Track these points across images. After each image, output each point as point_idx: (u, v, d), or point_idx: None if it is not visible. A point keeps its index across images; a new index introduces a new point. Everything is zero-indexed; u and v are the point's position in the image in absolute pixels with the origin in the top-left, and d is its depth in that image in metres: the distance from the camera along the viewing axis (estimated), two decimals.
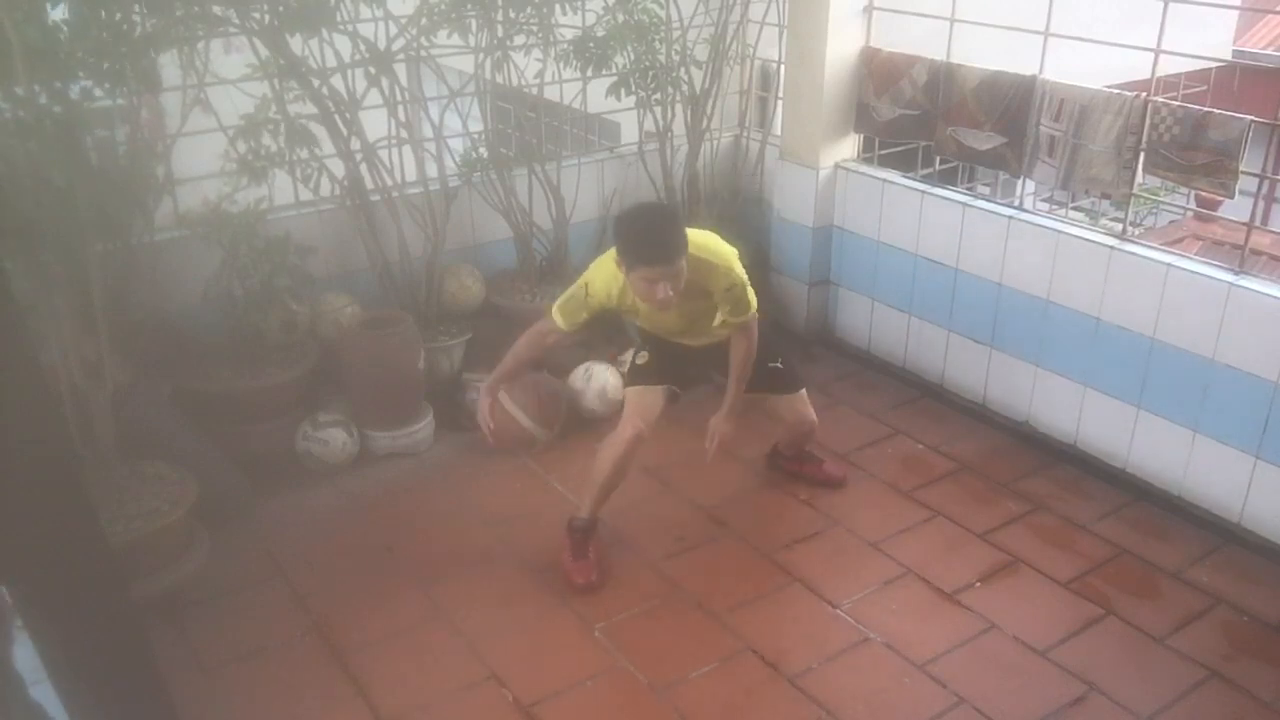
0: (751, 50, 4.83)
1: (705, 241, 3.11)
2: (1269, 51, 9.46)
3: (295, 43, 3.54)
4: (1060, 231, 3.74)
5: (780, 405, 3.52)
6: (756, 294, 3.27)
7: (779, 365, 3.49)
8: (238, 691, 2.84)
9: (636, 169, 4.60)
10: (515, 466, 3.87)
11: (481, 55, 4.01)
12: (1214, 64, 6.58)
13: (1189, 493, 3.53)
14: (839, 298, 4.68)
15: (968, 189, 4.69)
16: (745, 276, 3.16)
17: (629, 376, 3.44)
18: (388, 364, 3.80)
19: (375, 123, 3.92)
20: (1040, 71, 3.76)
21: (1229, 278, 3.31)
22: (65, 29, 2.90)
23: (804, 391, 3.55)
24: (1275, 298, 3.19)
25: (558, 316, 3.16)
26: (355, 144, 3.79)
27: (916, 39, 4.19)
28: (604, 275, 3.10)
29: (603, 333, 4.31)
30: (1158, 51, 3.46)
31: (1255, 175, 3.65)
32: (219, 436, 3.58)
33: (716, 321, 3.23)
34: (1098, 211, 7.97)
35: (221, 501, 3.41)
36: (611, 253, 3.07)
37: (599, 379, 4.10)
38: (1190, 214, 7.62)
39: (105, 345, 2.97)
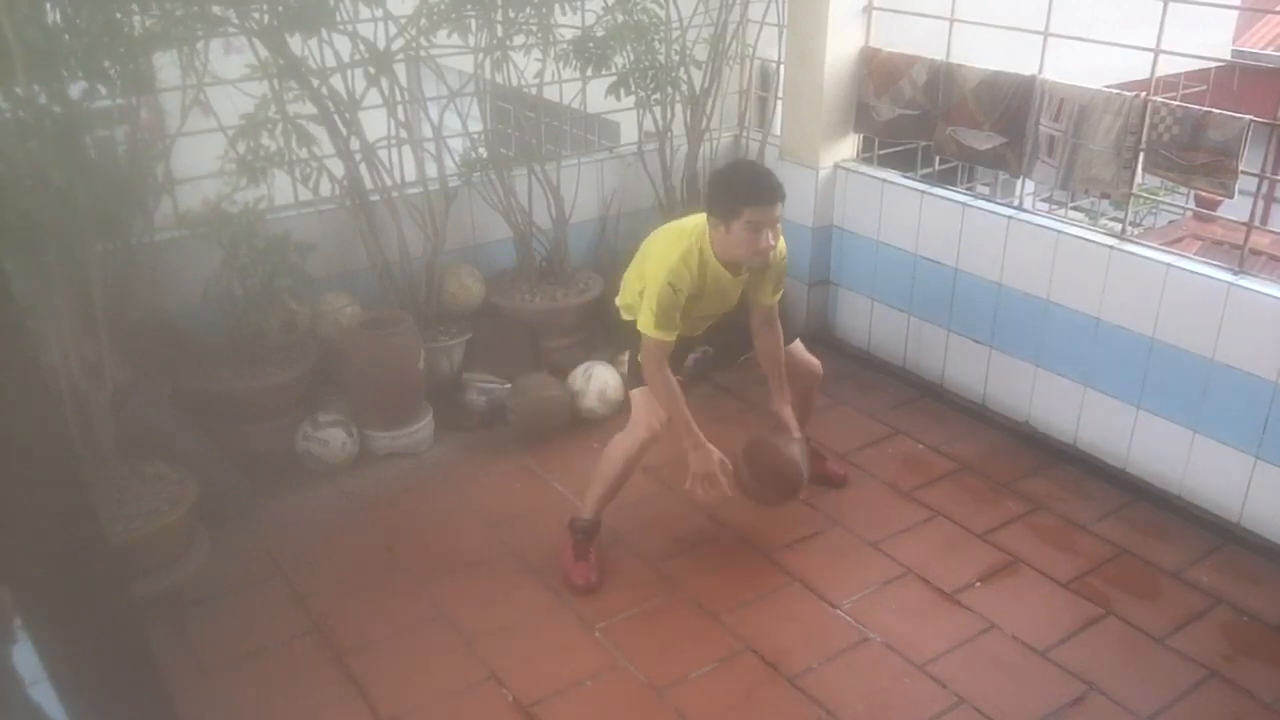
0: (751, 50, 4.82)
1: None
2: (1268, 51, 9.47)
3: (295, 43, 3.54)
4: (1060, 231, 3.74)
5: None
6: None
7: None
8: (238, 691, 2.84)
9: (636, 169, 4.61)
10: (515, 466, 3.87)
11: (481, 55, 4.01)
12: (1213, 64, 6.58)
13: (1189, 493, 3.53)
14: (839, 298, 4.68)
15: (967, 189, 4.70)
16: None
17: (632, 377, 3.43)
18: (388, 364, 3.80)
19: (375, 123, 3.92)
20: (1040, 71, 3.76)
21: (1228, 277, 3.31)
22: (65, 29, 2.90)
23: (798, 341, 3.55)
24: (1275, 298, 3.19)
25: (662, 334, 3.04)
26: (355, 144, 3.79)
27: (916, 39, 4.19)
28: (675, 268, 3.03)
29: (603, 333, 4.31)
30: (1157, 51, 3.46)
31: (1255, 175, 3.66)
32: (219, 436, 3.58)
33: (763, 299, 3.25)
34: (1097, 211, 7.97)
35: (221, 501, 3.42)
36: (665, 249, 3.08)
37: (599, 379, 4.10)
38: (1190, 214, 7.63)
39: (105, 345, 2.97)
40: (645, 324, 3.04)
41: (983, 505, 3.65)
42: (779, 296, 3.29)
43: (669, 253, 3.05)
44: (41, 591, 1.74)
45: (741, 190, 2.96)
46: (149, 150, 3.34)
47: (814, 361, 3.57)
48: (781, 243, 3.17)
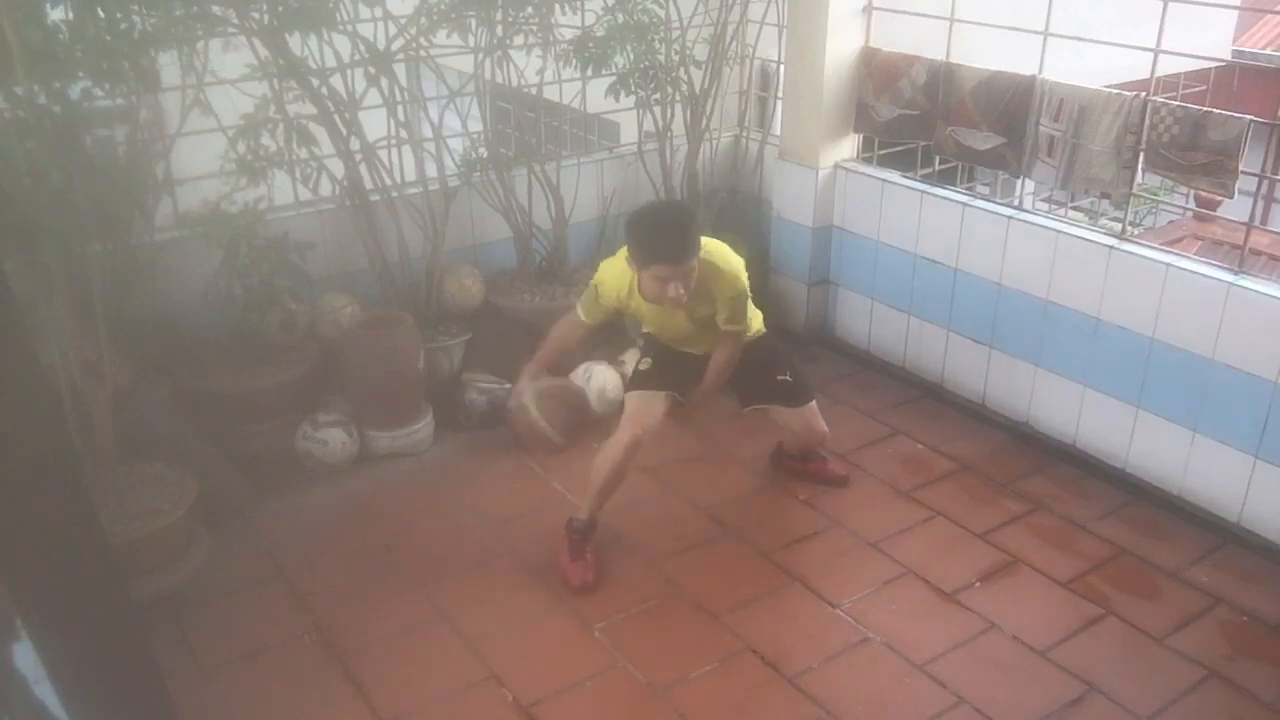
0: (751, 50, 4.83)
1: (716, 248, 3.16)
2: (1269, 51, 9.46)
3: (295, 43, 3.54)
4: (1060, 231, 3.74)
5: (790, 418, 3.54)
6: (756, 294, 3.28)
7: (788, 378, 3.50)
8: (238, 691, 2.84)
9: (636, 169, 4.61)
10: (515, 466, 3.87)
11: (481, 55, 4.01)
12: (1213, 64, 6.57)
13: (1189, 492, 3.53)
14: (838, 298, 4.68)
15: (967, 189, 4.69)
16: (748, 290, 3.22)
17: (631, 381, 3.45)
18: (388, 364, 3.80)
19: (375, 123, 3.92)
20: (1040, 71, 3.76)
21: (1228, 277, 3.31)
22: (65, 29, 2.90)
23: (814, 403, 3.56)
24: (1274, 298, 3.19)
25: (580, 310, 3.31)
26: (355, 144, 3.79)
27: (916, 39, 4.19)
28: (613, 275, 3.16)
29: (602, 333, 4.31)
30: (1157, 51, 3.46)
31: (1254, 175, 3.66)
32: (219, 436, 3.58)
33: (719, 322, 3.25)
34: (1097, 211, 7.96)
35: (221, 501, 3.42)
36: (622, 252, 3.09)
37: (599, 379, 4.10)
38: (1189, 214, 7.62)
39: (105, 345, 2.97)
40: (582, 296, 3.30)
41: (982, 505, 3.65)
42: (735, 328, 3.26)
43: (617, 262, 3.15)
44: (41, 591, 1.74)
45: (650, 245, 2.96)
46: (149, 150, 3.34)
47: (822, 430, 3.59)
48: (742, 280, 3.16)
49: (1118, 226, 3.79)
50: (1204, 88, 6.82)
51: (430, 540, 3.46)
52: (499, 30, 3.98)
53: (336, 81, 3.71)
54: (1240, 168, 3.26)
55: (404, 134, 4.01)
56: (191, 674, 2.89)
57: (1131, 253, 3.54)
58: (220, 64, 3.54)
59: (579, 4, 4.08)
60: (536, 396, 3.32)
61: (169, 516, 3.04)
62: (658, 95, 4.46)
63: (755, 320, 3.45)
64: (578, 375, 4.13)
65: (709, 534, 3.50)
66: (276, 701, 2.81)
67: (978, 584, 3.26)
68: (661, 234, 2.98)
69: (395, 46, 3.79)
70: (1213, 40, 7.89)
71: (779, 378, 3.47)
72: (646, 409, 3.28)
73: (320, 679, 2.88)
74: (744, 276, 3.19)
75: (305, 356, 3.81)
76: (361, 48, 3.72)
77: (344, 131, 3.74)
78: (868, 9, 4.31)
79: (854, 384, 4.45)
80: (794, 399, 3.50)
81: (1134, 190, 3.62)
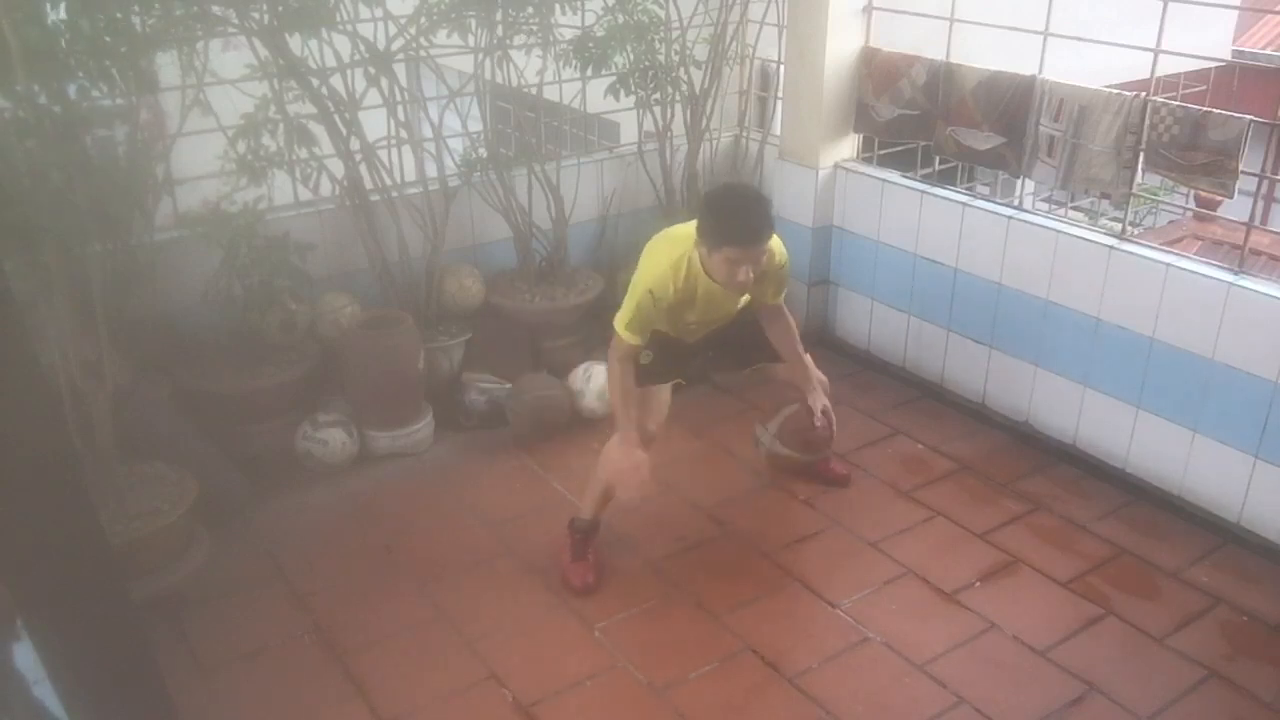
0: (751, 50, 4.83)
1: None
2: (1269, 51, 9.46)
3: (295, 43, 3.54)
4: (1060, 231, 3.74)
5: (789, 371, 3.49)
6: None
7: None
8: (238, 691, 2.84)
9: (636, 169, 4.60)
10: (515, 466, 3.87)
11: (481, 55, 4.01)
12: (1213, 64, 6.57)
13: (1189, 492, 3.53)
14: (838, 297, 4.68)
15: (967, 189, 4.69)
16: None
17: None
18: (388, 364, 3.80)
19: (375, 123, 3.92)
20: (1040, 71, 3.76)
21: (1228, 277, 3.31)
22: (65, 29, 2.90)
23: (808, 357, 3.53)
24: (1274, 298, 3.19)
25: (631, 335, 3.04)
26: (355, 144, 3.79)
27: (916, 39, 4.19)
28: (661, 276, 3.02)
29: (603, 333, 4.30)
30: (1157, 51, 3.46)
31: (1255, 175, 3.66)
32: (219, 436, 3.58)
33: (742, 303, 3.23)
34: (1097, 211, 7.96)
35: (221, 501, 3.42)
36: (657, 255, 3.06)
37: (599, 379, 4.10)
38: (1189, 214, 7.62)
39: (105, 345, 2.97)
40: (619, 321, 3.06)
41: (982, 505, 3.65)
42: (782, 297, 3.29)
43: (660, 260, 3.05)
44: (41, 591, 1.74)
45: (727, 226, 2.90)
46: (149, 150, 3.34)
47: (822, 376, 3.55)
48: (782, 249, 3.15)
49: (1118, 226, 3.79)
50: (1204, 88, 6.82)
51: (430, 540, 3.46)
52: (499, 30, 3.98)
53: (336, 81, 3.71)
54: (1240, 168, 3.26)
55: (404, 134, 4.01)
56: (191, 674, 2.89)
57: (1131, 253, 3.54)
58: (220, 64, 3.54)
59: (579, 4, 4.08)
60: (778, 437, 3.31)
61: (169, 516, 3.04)
62: (658, 95, 4.46)
63: None
64: (577, 375, 4.12)
65: (709, 534, 3.50)
66: (276, 701, 2.81)
67: (978, 584, 3.26)
68: (742, 215, 2.92)
69: (395, 46, 3.79)
70: (1213, 40, 7.89)
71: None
72: (655, 404, 3.26)
73: (320, 679, 2.88)
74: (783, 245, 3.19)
75: (305, 356, 3.81)
76: (361, 48, 3.72)
77: (344, 131, 3.74)
78: (868, 9, 4.31)
79: (854, 384, 4.45)
80: None
81: (1134, 190, 3.62)
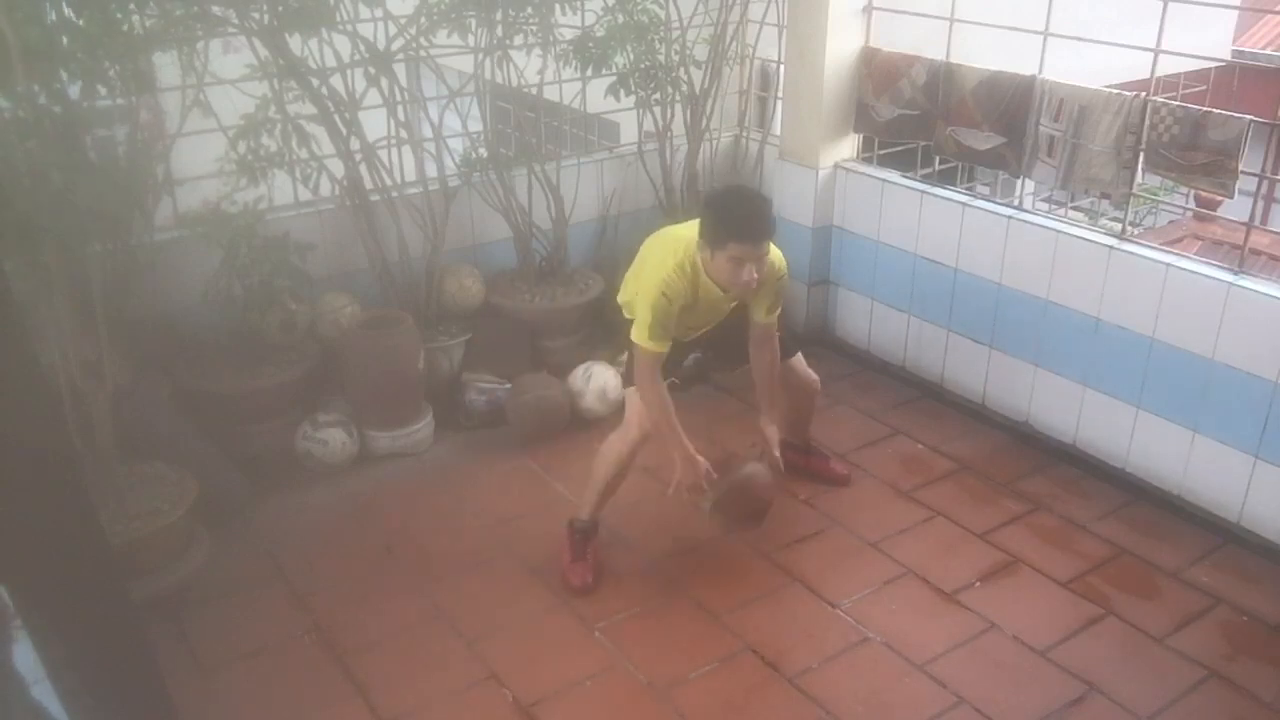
0: (751, 50, 4.83)
1: None
2: (1269, 51, 9.46)
3: (295, 43, 3.54)
4: (1060, 231, 3.74)
5: (782, 370, 3.48)
6: None
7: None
8: (238, 691, 2.84)
9: (636, 169, 4.61)
10: (515, 466, 3.87)
11: (481, 55, 4.01)
12: (1213, 64, 6.57)
13: (1189, 492, 3.53)
14: (838, 297, 4.68)
15: (967, 189, 4.69)
16: None
17: (629, 377, 3.43)
18: (388, 364, 3.80)
19: (375, 123, 3.92)
20: (1040, 71, 3.76)
21: (1228, 277, 3.31)
22: (65, 29, 2.90)
23: (800, 355, 3.55)
24: (1274, 298, 3.19)
25: (655, 343, 3.02)
26: (355, 144, 3.79)
27: (916, 39, 4.19)
28: (670, 278, 3.02)
29: (603, 333, 4.31)
30: (1157, 51, 3.46)
31: (1254, 175, 3.66)
32: (219, 436, 3.58)
33: (758, 316, 3.22)
34: (1097, 211, 7.96)
35: (221, 501, 3.42)
36: (661, 257, 3.05)
37: (599, 379, 4.10)
38: (1189, 214, 7.62)
39: (105, 345, 2.97)
40: (639, 334, 3.03)
41: (982, 505, 3.65)
42: (775, 315, 3.24)
43: (664, 262, 3.04)
44: (41, 591, 1.74)
45: (731, 223, 2.91)
46: (149, 150, 3.34)
47: (813, 378, 3.58)
48: (781, 260, 3.14)
49: (1118, 226, 3.79)
50: (1204, 88, 6.81)
51: (430, 540, 3.46)
52: (499, 30, 3.98)
53: (336, 81, 3.71)
54: (1240, 168, 3.26)
55: (404, 134, 4.01)
56: (191, 674, 2.89)
57: (1131, 253, 3.54)
58: (220, 64, 3.54)
59: (579, 4, 4.08)
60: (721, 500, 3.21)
61: (169, 516, 3.04)
62: (658, 95, 4.46)
63: None
64: (577, 375, 4.13)
65: (709, 534, 3.50)
66: (276, 701, 2.81)
67: (978, 584, 3.26)
68: (745, 212, 2.94)
69: (395, 46, 3.79)
70: (1213, 40, 7.89)
71: None
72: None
73: (320, 679, 2.88)
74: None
75: (305, 356, 3.81)
76: (361, 48, 3.72)
77: (344, 131, 3.74)
78: (868, 9, 4.31)
79: (854, 384, 4.45)
80: (782, 353, 3.48)
81: (1134, 190, 3.62)
